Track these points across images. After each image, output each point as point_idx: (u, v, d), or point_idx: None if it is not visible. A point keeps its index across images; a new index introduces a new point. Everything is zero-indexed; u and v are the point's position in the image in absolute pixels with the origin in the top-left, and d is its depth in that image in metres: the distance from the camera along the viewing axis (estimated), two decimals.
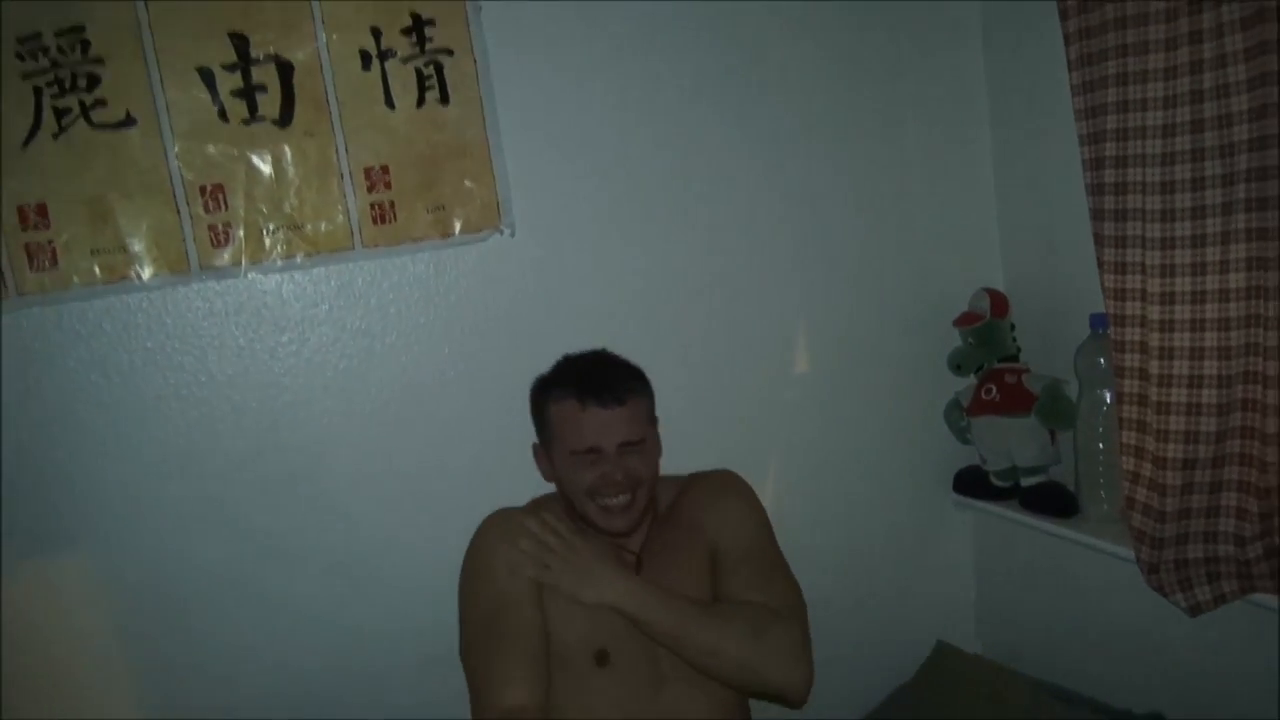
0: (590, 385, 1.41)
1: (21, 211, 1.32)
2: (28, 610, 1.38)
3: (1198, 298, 1.37)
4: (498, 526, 1.43)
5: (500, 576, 1.38)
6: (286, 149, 1.42)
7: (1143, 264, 1.41)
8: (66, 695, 1.41)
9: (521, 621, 1.35)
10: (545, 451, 1.48)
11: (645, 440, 1.44)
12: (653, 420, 1.49)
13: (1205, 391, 1.39)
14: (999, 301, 1.79)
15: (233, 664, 1.48)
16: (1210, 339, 1.37)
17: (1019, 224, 1.85)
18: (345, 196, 1.46)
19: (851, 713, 1.85)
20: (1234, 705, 1.50)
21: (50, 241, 1.34)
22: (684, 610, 1.36)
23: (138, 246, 1.38)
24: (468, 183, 1.52)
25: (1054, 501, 1.73)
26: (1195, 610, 1.46)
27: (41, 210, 1.33)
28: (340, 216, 1.46)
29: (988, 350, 1.79)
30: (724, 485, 1.55)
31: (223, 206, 1.41)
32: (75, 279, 1.36)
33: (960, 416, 1.84)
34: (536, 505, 1.51)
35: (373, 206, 1.48)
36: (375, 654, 1.55)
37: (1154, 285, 1.40)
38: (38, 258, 1.34)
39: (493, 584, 1.38)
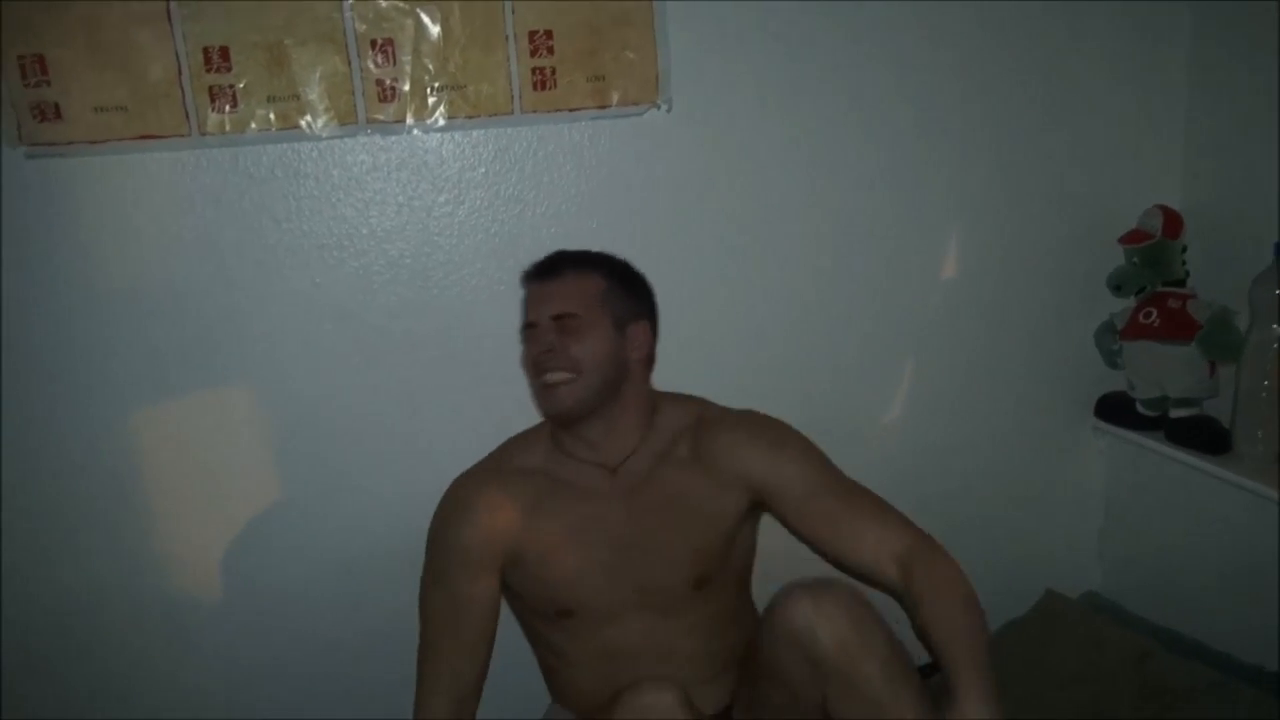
0: (537, 264, 1.38)
1: (206, 53, 1.37)
2: (196, 423, 1.49)
3: None
4: (458, 500, 1.38)
5: (461, 566, 1.36)
6: (456, 7, 1.42)
7: None
8: (220, 509, 1.53)
9: (473, 617, 1.36)
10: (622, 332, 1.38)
11: (584, 318, 1.32)
12: (615, 309, 1.35)
13: None
14: (1172, 221, 1.68)
15: (367, 499, 1.57)
16: None
17: (1207, 141, 1.73)
18: (509, 60, 1.46)
19: None
20: None
21: (231, 85, 1.39)
22: (982, 663, 1.20)
23: (311, 95, 1.41)
24: (629, 54, 1.50)
25: (1205, 436, 1.65)
26: None
27: (224, 53, 1.38)
28: (502, 80, 1.47)
29: (1153, 272, 1.69)
30: (770, 431, 1.41)
31: (391, 61, 1.43)
32: (252, 124, 1.41)
33: (1113, 339, 1.76)
34: (503, 452, 1.44)
35: (534, 72, 1.47)
36: None
37: None
38: (219, 100, 1.39)
39: (450, 574, 1.36)
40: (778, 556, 1.46)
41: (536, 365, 1.34)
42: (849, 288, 1.69)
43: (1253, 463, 1.59)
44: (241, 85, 1.39)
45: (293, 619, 1.59)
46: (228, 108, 1.40)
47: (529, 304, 1.38)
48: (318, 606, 1.59)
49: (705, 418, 1.41)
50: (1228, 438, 1.63)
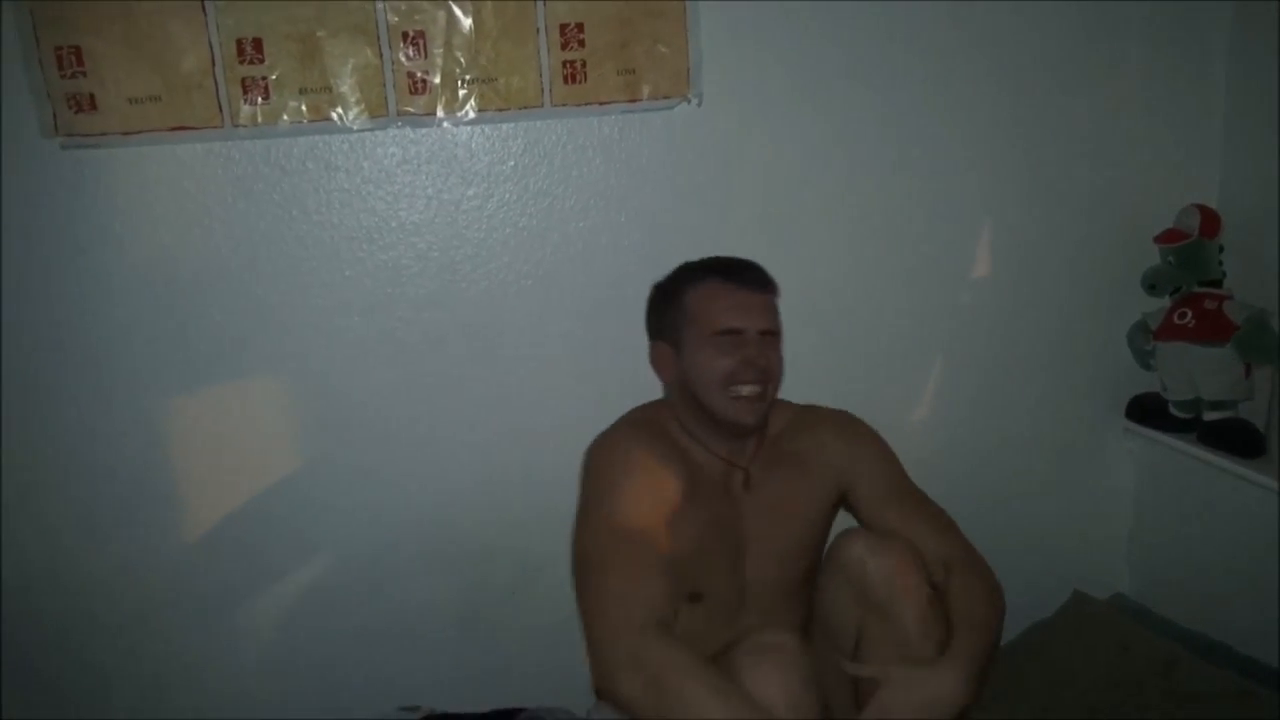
0: (738, 268, 1.38)
1: (239, 45, 1.38)
2: (224, 413, 1.50)
3: None
4: (630, 452, 1.35)
5: (638, 505, 1.30)
6: (488, 1, 1.42)
7: None
8: (247, 499, 1.54)
9: (657, 547, 1.29)
10: (671, 349, 1.40)
11: (778, 336, 1.39)
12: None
13: None
14: (1210, 220, 1.66)
15: (396, 494, 1.58)
16: None
17: (1246, 141, 1.69)
18: (540, 53, 1.46)
19: None
20: None
21: (263, 77, 1.40)
22: (979, 650, 1.26)
23: (342, 87, 1.42)
24: (660, 48, 1.49)
25: (1239, 439, 1.63)
26: None
27: (257, 45, 1.38)
28: (533, 73, 1.46)
29: (1189, 272, 1.67)
30: (852, 428, 1.47)
31: (423, 54, 1.43)
32: (284, 116, 1.41)
33: (1146, 339, 1.74)
34: (639, 425, 1.41)
35: (565, 65, 1.47)
36: (526, 500, 1.62)
37: None
38: (251, 92, 1.40)
39: (629, 511, 1.29)
40: None
41: (733, 375, 1.34)
42: (878, 284, 1.68)
43: None
44: (274, 77, 1.40)
45: (317, 611, 1.60)
46: (260, 99, 1.40)
47: (735, 310, 1.35)
48: (342, 599, 1.60)
49: (798, 418, 1.47)
50: (1263, 441, 1.61)
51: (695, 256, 1.54)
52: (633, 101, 1.51)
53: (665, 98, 1.52)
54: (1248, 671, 1.55)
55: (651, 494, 1.31)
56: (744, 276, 1.37)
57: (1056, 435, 1.84)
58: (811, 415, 1.49)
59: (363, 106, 1.43)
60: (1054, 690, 1.65)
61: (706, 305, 1.36)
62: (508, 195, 1.52)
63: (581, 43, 1.47)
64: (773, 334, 1.38)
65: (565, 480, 1.60)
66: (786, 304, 1.63)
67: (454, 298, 1.54)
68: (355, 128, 1.43)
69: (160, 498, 1.51)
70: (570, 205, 1.54)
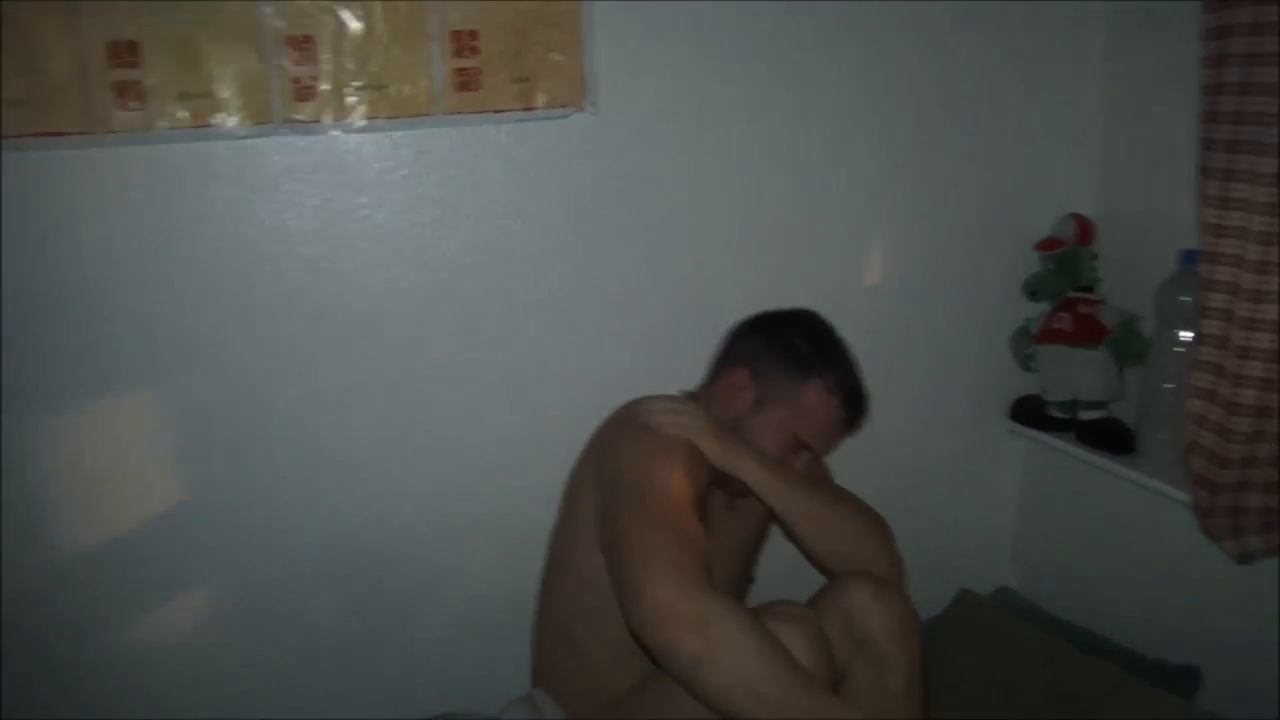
0: (862, 416, 1.49)
1: (113, 48, 1.31)
2: (87, 451, 1.42)
3: None
4: (684, 451, 1.35)
5: (682, 472, 1.30)
6: (378, 5, 1.39)
7: (1248, 200, 1.36)
8: (113, 528, 1.46)
9: (697, 520, 1.27)
10: (756, 396, 1.43)
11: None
12: None
13: None
14: (1085, 229, 1.74)
15: (291, 515, 1.53)
16: None
17: (1119, 152, 1.79)
18: (432, 60, 1.43)
19: None
20: (1271, 662, 1.50)
21: (139, 81, 1.33)
22: (800, 482, 1.41)
23: (224, 93, 1.36)
24: (555, 55, 1.48)
25: (1112, 437, 1.71)
26: (1244, 558, 1.45)
27: (132, 48, 1.32)
28: (425, 80, 1.44)
29: (1066, 278, 1.75)
30: None
31: (310, 59, 1.39)
32: (162, 122, 1.35)
33: (1027, 343, 1.81)
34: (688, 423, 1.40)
35: (458, 72, 1.45)
36: (420, 513, 1.59)
37: (1257, 224, 1.35)
38: (126, 97, 1.33)
39: (678, 473, 1.29)
40: None
41: (782, 458, 1.43)
42: (773, 294, 1.69)
43: (1157, 462, 1.65)
44: (151, 82, 1.34)
45: (204, 643, 1.53)
46: (136, 105, 1.34)
47: (831, 438, 1.49)
48: (230, 626, 1.54)
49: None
50: (1133, 439, 1.69)
51: (594, 265, 1.55)
52: (528, 110, 1.50)
53: (561, 106, 1.51)
54: (1127, 664, 1.62)
55: (691, 476, 1.32)
56: (857, 421, 1.48)
57: (945, 438, 1.90)
58: None
59: (246, 113, 1.38)
60: (942, 689, 1.70)
61: (815, 418, 1.43)
62: (399, 204, 1.48)
63: (475, 50, 1.46)
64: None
65: (457, 492, 1.59)
66: (684, 314, 1.66)
67: (345, 309, 1.49)
68: (238, 135, 1.38)
69: (27, 529, 1.41)
70: (465, 214, 1.51)
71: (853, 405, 1.46)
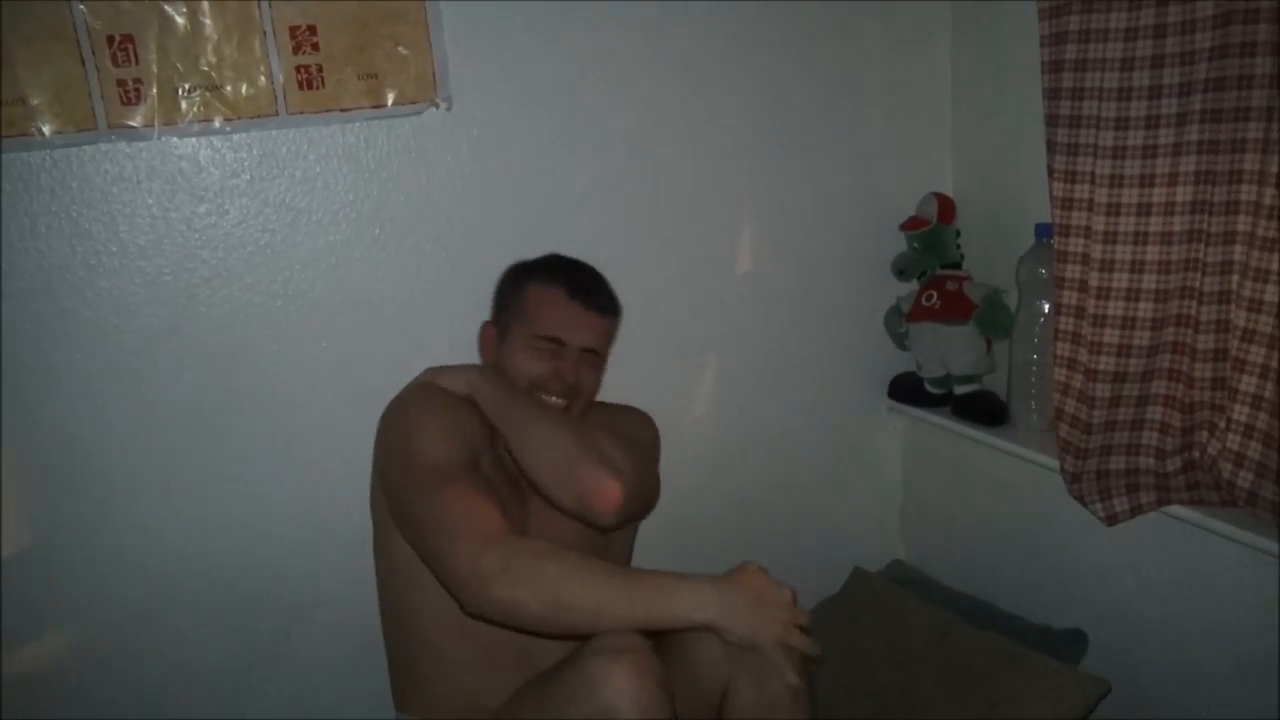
0: (584, 284, 1.42)
1: None
2: None
3: (1143, 210, 1.36)
4: (423, 393, 1.36)
5: (444, 435, 1.29)
6: (204, 2, 1.31)
7: (1092, 173, 1.39)
8: None
9: (477, 471, 1.30)
10: (498, 332, 1.44)
11: (601, 358, 1.44)
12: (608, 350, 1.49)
13: (1141, 305, 1.39)
14: (946, 207, 1.77)
15: (150, 543, 1.44)
16: (1152, 253, 1.37)
17: (972, 130, 1.82)
18: (268, 57, 1.36)
19: None
20: (1150, 621, 1.54)
21: None
22: (520, 394, 1.35)
23: (38, 99, 1.27)
24: (402, 50, 1.43)
25: (985, 410, 1.74)
26: (1112, 520, 1.49)
27: None
28: (263, 79, 1.37)
29: (932, 256, 1.77)
30: (630, 415, 1.54)
31: (133, 60, 1.30)
32: None
33: (900, 322, 1.83)
34: (439, 372, 1.40)
35: (298, 70, 1.38)
36: (296, 534, 1.52)
37: (1101, 195, 1.38)
38: None
39: (447, 441, 1.29)
40: None
41: (540, 382, 1.38)
42: (643, 287, 1.67)
43: (1028, 432, 1.69)
44: None
45: (73, 682, 1.44)
46: None
47: (567, 322, 1.39)
48: (98, 662, 1.45)
49: (592, 417, 1.46)
50: (1005, 410, 1.73)
51: (455, 266, 1.50)
52: (377, 108, 1.44)
53: (412, 103, 1.46)
54: (1015, 632, 1.65)
55: (462, 438, 1.30)
56: (587, 294, 1.41)
57: (829, 418, 1.91)
58: (602, 412, 1.49)
59: (65, 119, 1.29)
60: (843, 668, 1.71)
61: (542, 307, 1.39)
62: (245, 210, 1.41)
63: (316, 46, 1.39)
64: (595, 353, 1.42)
65: (336, 510, 1.52)
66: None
67: (193, 324, 1.41)
68: (57, 143, 1.29)
69: None
70: (317, 219, 1.45)
71: (570, 276, 1.42)
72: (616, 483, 1.28)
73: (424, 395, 1.36)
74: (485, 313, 1.53)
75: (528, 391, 1.38)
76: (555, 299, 1.39)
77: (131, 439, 1.42)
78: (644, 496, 1.40)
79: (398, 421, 1.35)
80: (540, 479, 1.30)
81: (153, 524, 1.45)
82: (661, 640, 1.26)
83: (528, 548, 1.17)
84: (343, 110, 1.42)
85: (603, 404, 1.52)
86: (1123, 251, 1.39)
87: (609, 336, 1.46)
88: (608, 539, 1.46)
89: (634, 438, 1.45)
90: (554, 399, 1.38)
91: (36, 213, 1.31)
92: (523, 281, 1.43)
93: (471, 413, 1.35)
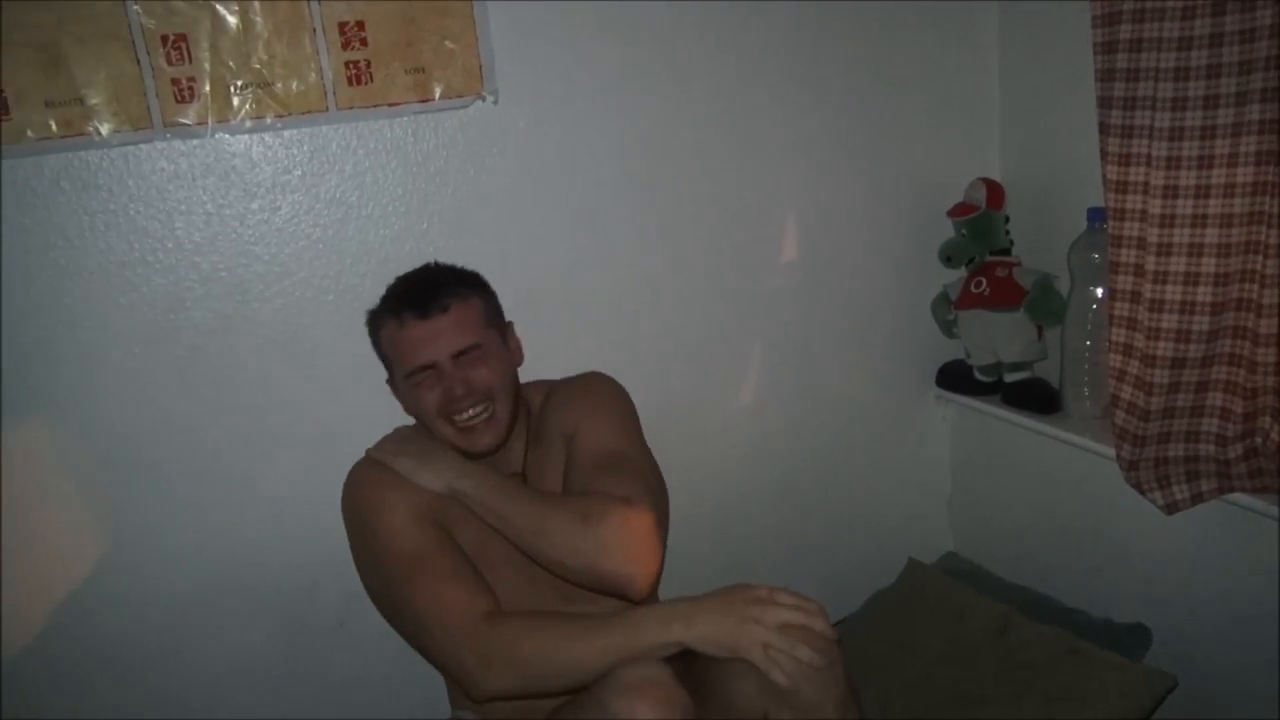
0: (407, 299, 1.31)
1: None
2: None
3: (1202, 192, 1.33)
4: (375, 475, 1.34)
5: (410, 518, 1.28)
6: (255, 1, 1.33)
7: (1148, 155, 1.37)
8: (38, 568, 1.39)
9: (451, 546, 1.29)
10: (393, 385, 1.38)
11: (484, 345, 1.32)
12: (496, 324, 1.37)
13: (1201, 289, 1.36)
14: (995, 192, 1.74)
15: (203, 537, 1.46)
16: (1211, 235, 1.34)
17: (1020, 114, 1.79)
18: (318, 54, 1.37)
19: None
20: (1214, 614, 1.51)
21: (1, 90, 1.25)
22: (513, 492, 1.30)
23: (95, 99, 1.29)
24: (449, 44, 1.43)
25: (1037, 397, 1.72)
26: (1171, 508, 1.47)
27: None
28: (313, 75, 1.38)
29: (980, 243, 1.75)
30: (585, 385, 1.45)
31: (187, 59, 1.32)
32: (29, 132, 1.27)
33: (948, 310, 1.81)
34: (396, 451, 1.37)
35: (348, 65, 1.39)
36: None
37: (1158, 178, 1.36)
38: None
39: (407, 525, 1.28)
40: None
41: (443, 409, 1.30)
42: (692, 275, 1.68)
43: (1081, 419, 1.66)
44: (14, 90, 1.26)
45: (123, 671, 1.46)
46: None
47: (417, 345, 1.29)
48: (145, 656, 1.46)
49: (550, 391, 1.44)
50: (1058, 397, 1.70)
51: (503, 257, 1.51)
52: (424, 102, 1.45)
53: (459, 96, 1.46)
54: (1076, 626, 1.62)
55: (413, 506, 1.29)
56: (418, 308, 1.29)
57: (875, 408, 1.90)
58: (562, 384, 1.46)
59: (122, 118, 1.31)
60: (897, 662, 1.69)
61: (394, 348, 1.32)
62: (297, 206, 1.42)
63: (364, 42, 1.40)
64: (474, 347, 1.31)
65: None
66: (598, 300, 1.62)
67: (247, 320, 1.43)
68: (115, 142, 1.31)
69: None
70: (366, 213, 1.46)
71: (396, 300, 1.32)
72: (644, 568, 1.23)
73: (373, 474, 1.34)
74: (538, 303, 1.53)
75: (449, 425, 1.31)
76: (394, 333, 1.31)
77: (186, 434, 1.43)
78: (660, 515, 1.32)
79: (354, 508, 1.34)
80: (558, 570, 1.27)
81: (207, 519, 1.47)
82: (697, 673, 1.23)
83: (501, 633, 1.18)
84: (391, 105, 1.43)
85: (565, 389, 1.44)
86: (1180, 235, 1.36)
87: (471, 324, 1.31)
88: None
89: (626, 456, 1.36)
90: (469, 413, 1.31)
91: (95, 210, 1.33)
92: (374, 330, 1.37)
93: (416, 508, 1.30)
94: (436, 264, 1.39)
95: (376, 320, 1.36)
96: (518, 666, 1.17)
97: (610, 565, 1.22)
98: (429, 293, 1.30)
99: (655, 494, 1.33)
